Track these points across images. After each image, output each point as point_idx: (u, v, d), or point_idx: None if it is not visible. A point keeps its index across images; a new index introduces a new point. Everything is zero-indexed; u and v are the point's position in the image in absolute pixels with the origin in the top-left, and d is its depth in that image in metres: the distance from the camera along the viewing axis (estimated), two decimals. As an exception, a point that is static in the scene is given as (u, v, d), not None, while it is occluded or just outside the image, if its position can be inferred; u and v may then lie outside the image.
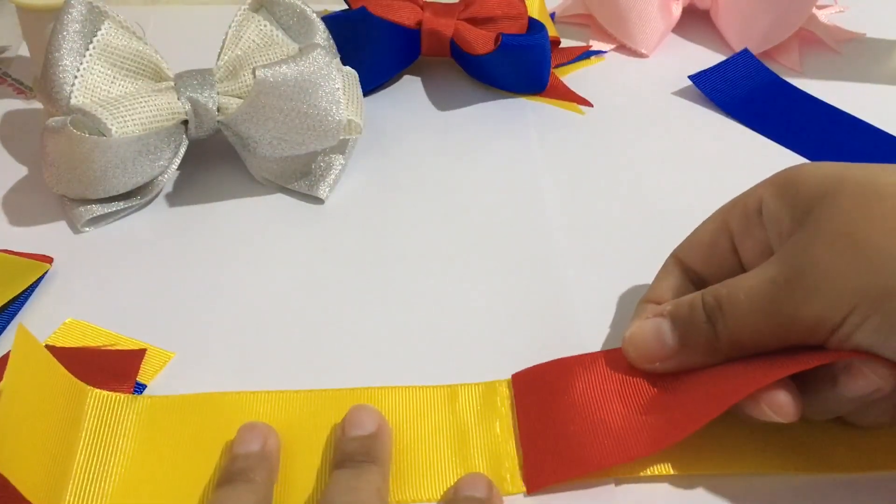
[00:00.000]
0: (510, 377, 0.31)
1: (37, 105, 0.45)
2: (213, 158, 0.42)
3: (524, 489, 0.28)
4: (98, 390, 0.29)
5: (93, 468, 0.27)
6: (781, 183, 0.28)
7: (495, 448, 0.29)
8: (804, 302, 0.25)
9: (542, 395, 0.30)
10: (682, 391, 0.28)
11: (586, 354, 0.31)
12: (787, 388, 0.26)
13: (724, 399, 0.26)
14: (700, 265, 0.31)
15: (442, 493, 0.28)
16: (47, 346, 0.32)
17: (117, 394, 0.29)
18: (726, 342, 0.27)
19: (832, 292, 0.25)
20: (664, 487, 0.28)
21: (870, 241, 0.24)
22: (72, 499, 0.26)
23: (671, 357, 0.28)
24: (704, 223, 0.31)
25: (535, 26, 0.46)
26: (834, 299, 0.25)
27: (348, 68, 0.42)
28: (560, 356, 0.32)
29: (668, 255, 0.32)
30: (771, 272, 0.26)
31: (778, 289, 0.26)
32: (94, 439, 0.28)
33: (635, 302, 0.32)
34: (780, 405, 0.26)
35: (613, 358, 0.30)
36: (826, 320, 0.25)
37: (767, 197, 0.28)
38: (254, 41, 0.39)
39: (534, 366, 0.31)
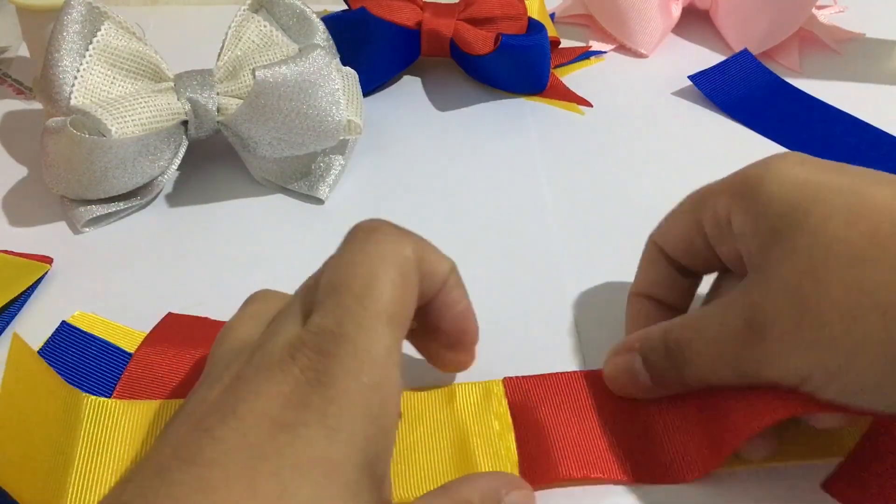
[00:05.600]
0: (503, 379, 0.31)
1: (37, 105, 0.45)
2: (213, 158, 0.42)
3: None
4: (94, 396, 0.28)
5: (91, 474, 0.27)
6: (746, 194, 0.27)
7: (495, 445, 0.29)
8: (762, 363, 0.26)
9: (537, 406, 0.30)
10: (675, 425, 0.28)
11: (584, 372, 0.31)
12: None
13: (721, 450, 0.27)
14: (679, 256, 0.31)
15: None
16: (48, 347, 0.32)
17: (114, 399, 0.29)
18: (694, 382, 0.28)
19: (787, 362, 0.25)
20: (664, 487, 0.28)
21: (820, 308, 0.24)
22: None
23: (648, 391, 0.29)
24: (677, 215, 0.31)
25: (534, 26, 0.46)
26: (788, 369, 0.25)
27: (348, 68, 0.42)
28: (558, 356, 0.32)
29: None
30: (730, 324, 0.26)
31: (737, 347, 0.26)
32: (91, 445, 0.27)
33: (634, 302, 0.32)
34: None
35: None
36: (784, 382, 0.25)
37: (735, 210, 0.27)
38: (253, 42, 0.39)
39: (529, 376, 0.31)
